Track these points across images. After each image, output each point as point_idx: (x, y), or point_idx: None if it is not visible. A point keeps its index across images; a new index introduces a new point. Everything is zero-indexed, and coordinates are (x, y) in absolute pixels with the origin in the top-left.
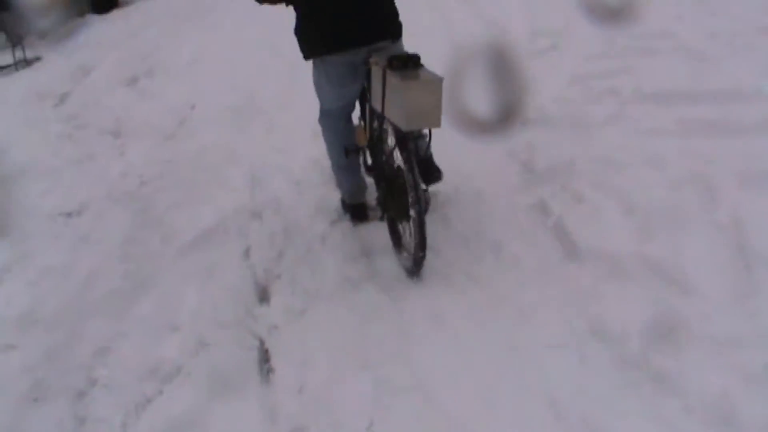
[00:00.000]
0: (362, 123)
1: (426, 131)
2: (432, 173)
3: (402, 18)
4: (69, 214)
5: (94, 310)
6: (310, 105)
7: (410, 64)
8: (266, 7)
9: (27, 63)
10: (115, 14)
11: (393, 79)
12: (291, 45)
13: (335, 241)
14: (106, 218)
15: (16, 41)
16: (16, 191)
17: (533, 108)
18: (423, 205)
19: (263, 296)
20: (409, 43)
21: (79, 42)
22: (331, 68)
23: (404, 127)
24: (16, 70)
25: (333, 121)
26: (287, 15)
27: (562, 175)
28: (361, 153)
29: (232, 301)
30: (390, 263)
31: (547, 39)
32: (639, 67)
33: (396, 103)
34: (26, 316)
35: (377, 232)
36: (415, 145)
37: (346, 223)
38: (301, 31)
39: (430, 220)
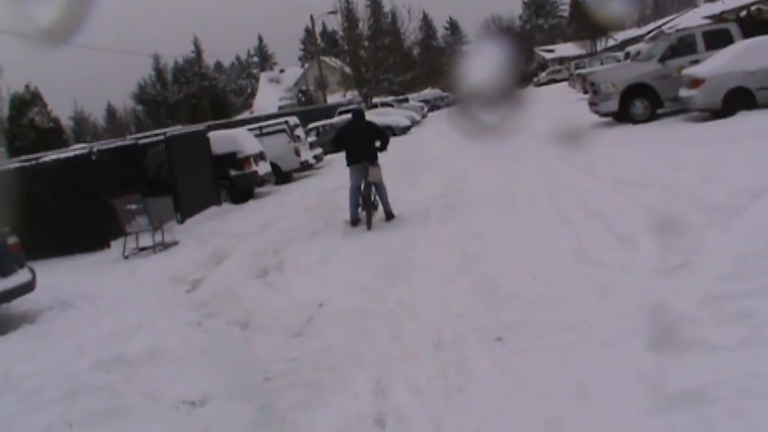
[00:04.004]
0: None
1: (380, 181)
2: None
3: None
4: (192, 404)
5: None
6: (438, 314)
7: (375, 163)
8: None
9: (165, 246)
10: (250, 205)
11: (369, 167)
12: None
13: None
14: (229, 411)
15: (156, 225)
16: (143, 374)
17: (662, 329)
18: (371, 205)
19: None
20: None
21: (214, 230)
22: (351, 170)
23: (370, 179)
24: (155, 252)
25: (354, 189)
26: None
27: (694, 401)
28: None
29: None
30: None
31: (678, 256)
32: None
33: (369, 173)
34: None
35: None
36: (375, 188)
37: None
38: (346, 157)
39: None
